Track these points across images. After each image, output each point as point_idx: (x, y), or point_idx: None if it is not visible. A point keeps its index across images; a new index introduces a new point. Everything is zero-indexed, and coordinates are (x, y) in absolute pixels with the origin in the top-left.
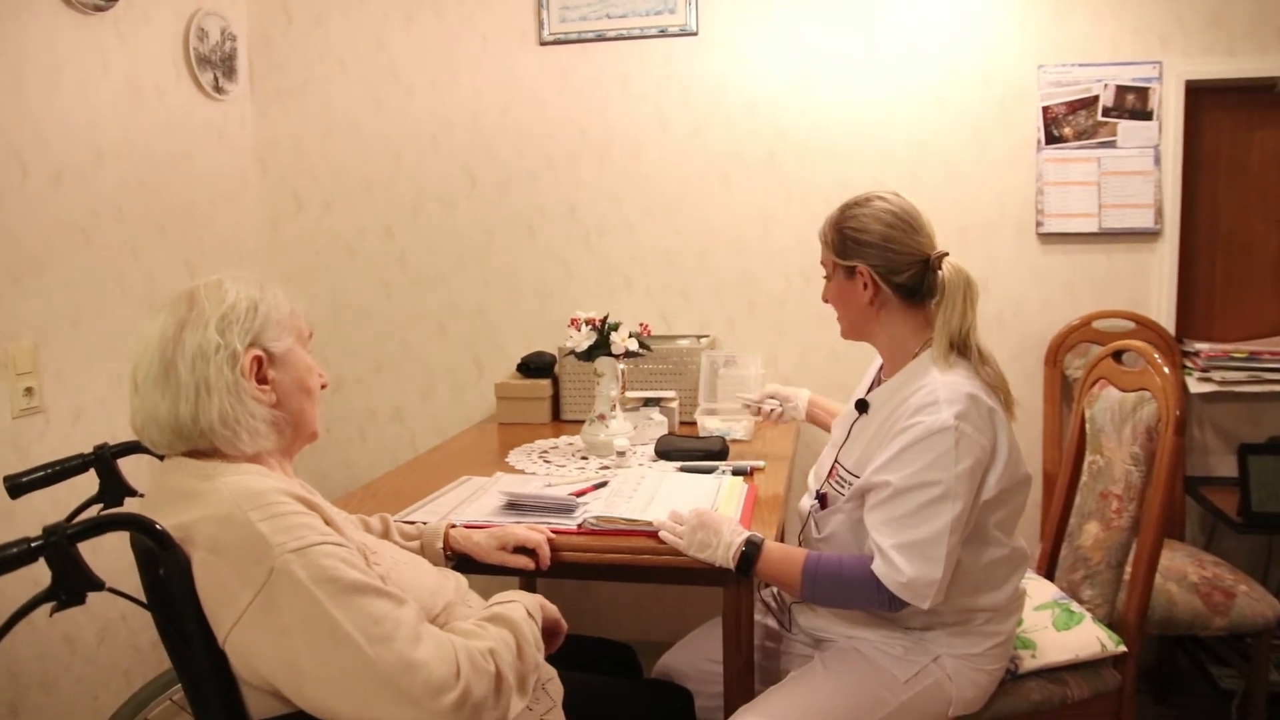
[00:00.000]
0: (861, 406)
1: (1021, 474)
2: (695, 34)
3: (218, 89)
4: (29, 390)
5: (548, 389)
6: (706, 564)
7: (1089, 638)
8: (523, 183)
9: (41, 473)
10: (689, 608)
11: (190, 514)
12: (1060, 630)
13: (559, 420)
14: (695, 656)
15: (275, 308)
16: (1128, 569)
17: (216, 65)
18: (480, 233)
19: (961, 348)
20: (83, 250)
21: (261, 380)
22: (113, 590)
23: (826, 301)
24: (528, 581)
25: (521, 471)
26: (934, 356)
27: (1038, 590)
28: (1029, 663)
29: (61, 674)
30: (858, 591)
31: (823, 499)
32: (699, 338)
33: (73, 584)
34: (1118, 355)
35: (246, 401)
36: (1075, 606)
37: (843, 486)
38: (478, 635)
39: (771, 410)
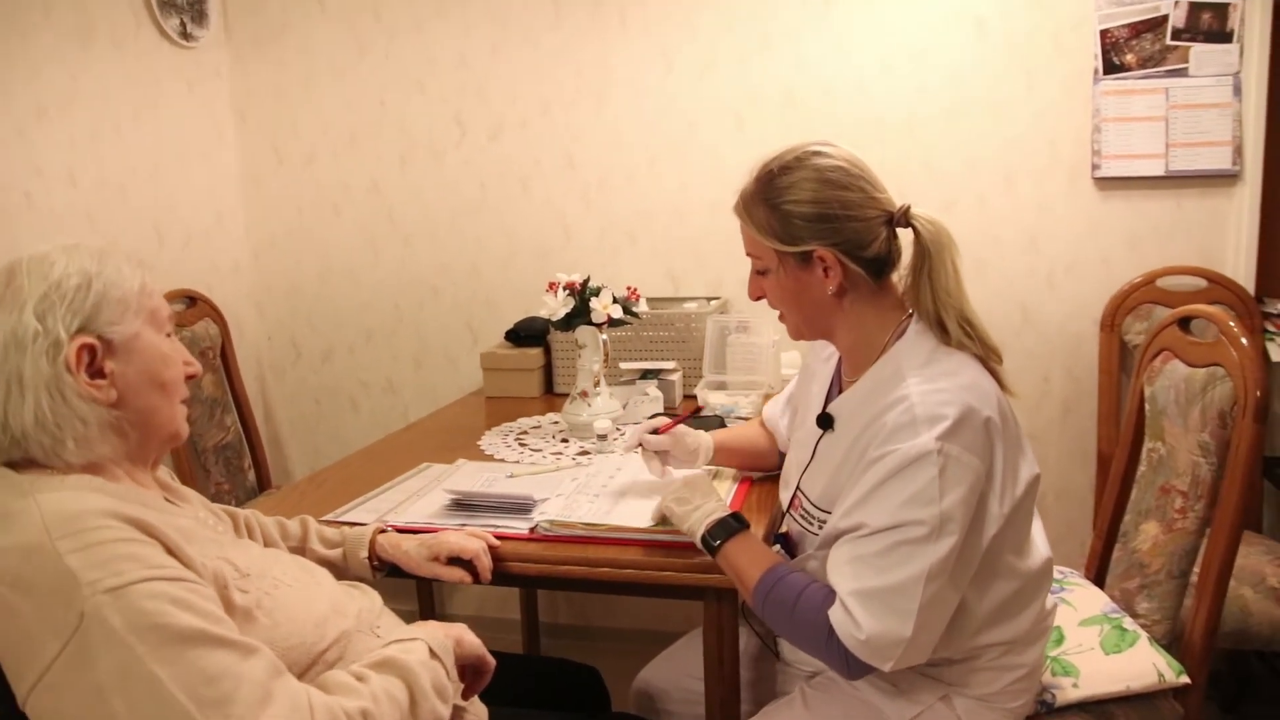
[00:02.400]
0: (825, 422)
1: (1031, 477)
2: None
3: (185, 35)
4: None
5: (538, 359)
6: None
7: (1144, 664)
8: (515, 130)
9: None
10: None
11: None
12: (1109, 653)
13: (552, 393)
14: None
15: (115, 284)
16: (1194, 577)
17: (183, 9)
18: (472, 186)
19: (943, 321)
20: (25, 213)
21: (96, 374)
22: None
23: (758, 299)
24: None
25: (490, 457)
26: (916, 348)
27: (1085, 600)
28: (1069, 693)
29: None
30: (807, 636)
31: (787, 542)
32: (709, 299)
33: None
34: (1185, 323)
35: (71, 401)
36: (1128, 623)
37: (810, 522)
38: (351, 691)
39: (641, 446)
